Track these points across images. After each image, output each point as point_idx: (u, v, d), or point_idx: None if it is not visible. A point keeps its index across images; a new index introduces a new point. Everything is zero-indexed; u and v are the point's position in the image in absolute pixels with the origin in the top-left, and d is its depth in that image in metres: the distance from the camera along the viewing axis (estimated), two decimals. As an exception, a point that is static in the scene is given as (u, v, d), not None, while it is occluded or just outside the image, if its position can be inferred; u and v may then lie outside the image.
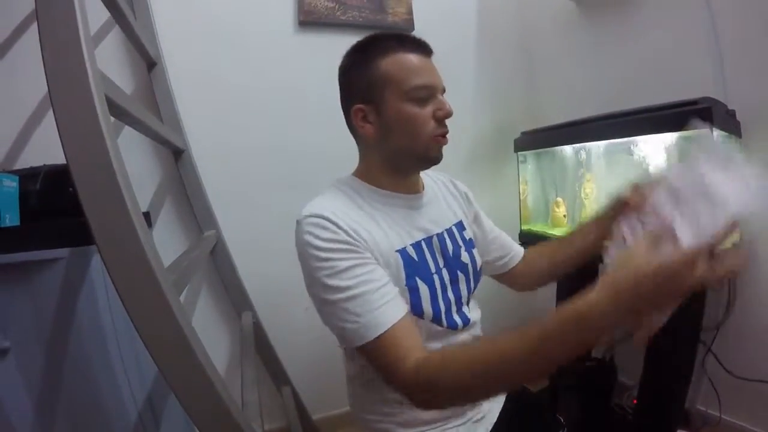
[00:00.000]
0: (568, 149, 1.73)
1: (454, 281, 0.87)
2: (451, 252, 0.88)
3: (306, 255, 0.71)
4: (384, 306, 0.68)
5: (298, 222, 0.75)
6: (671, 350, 1.33)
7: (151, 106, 1.35)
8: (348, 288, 0.68)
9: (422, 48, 0.82)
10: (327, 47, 1.69)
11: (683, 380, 1.39)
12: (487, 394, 0.71)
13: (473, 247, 0.94)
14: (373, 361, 0.68)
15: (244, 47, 1.56)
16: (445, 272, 0.85)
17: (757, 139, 1.37)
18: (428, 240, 0.85)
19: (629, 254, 0.55)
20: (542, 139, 1.73)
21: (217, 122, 1.51)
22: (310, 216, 0.73)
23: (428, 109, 0.79)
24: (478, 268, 0.94)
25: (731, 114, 1.36)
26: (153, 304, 0.56)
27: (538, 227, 1.77)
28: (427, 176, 0.98)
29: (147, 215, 1.13)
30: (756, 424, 1.45)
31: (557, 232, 1.66)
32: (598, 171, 1.63)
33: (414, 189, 0.90)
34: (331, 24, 1.70)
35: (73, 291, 0.84)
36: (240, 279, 1.48)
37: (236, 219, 1.50)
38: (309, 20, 1.66)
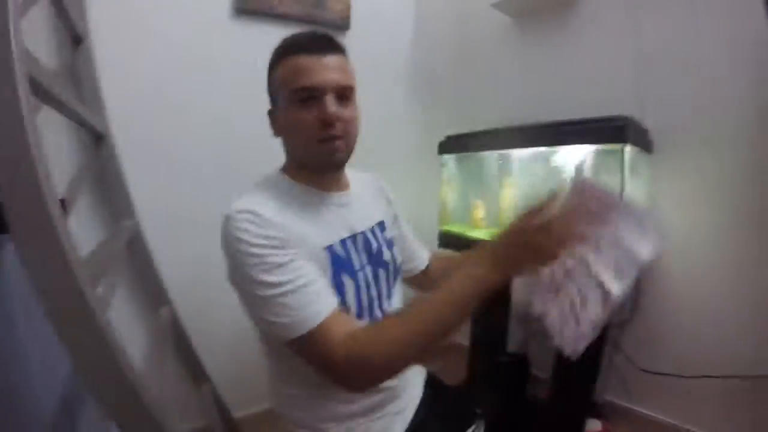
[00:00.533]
0: (490, 155, 1.81)
1: (377, 278, 0.90)
2: (374, 250, 0.91)
3: (236, 250, 0.70)
4: (318, 299, 0.70)
5: (227, 217, 0.73)
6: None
7: (73, 86, 1.26)
8: (282, 284, 0.69)
9: (318, 47, 0.80)
10: (262, 38, 1.65)
11: (592, 373, 1.51)
12: (419, 358, 0.74)
13: (393, 246, 0.98)
14: (306, 353, 0.71)
15: (176, 32, 1.50)
16: (368, 269, 0.88)
17: (665, 156, 1.53)
18: (353, 238, 0.87)
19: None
20: (465, 143, 1.79)
21: (141, 108, 1.44)
22: (241, 212, 0.72)
23: (312, 113, 0.78)
24: (398, 266, 0.98)
25: (644, 132, 1.50)
26: (69, 297, 0.54)
27: (456, 228, 1.83)
28: (354, 174, 1.00)
29: (63, 202, 1.06)
30: (662, 412, 1.60)
31: (476, 233, 1.73)
32: (518, 177, 1.73)
33: (338, 187, 0.92)
34: (268, 14, 1.67)
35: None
36: (158, 272, 1.41)
37: (157, 210, 1.44)
38: (246, 8, 1.63)
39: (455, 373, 1.79)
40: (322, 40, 0.81)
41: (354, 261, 0.85)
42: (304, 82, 0.77)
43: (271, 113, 0.88)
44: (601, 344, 1.51)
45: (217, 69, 1.59)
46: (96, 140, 1.30)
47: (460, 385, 1.69)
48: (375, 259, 0.90)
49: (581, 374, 1.48)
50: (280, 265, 0.70)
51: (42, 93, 0.69)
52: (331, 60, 0.80)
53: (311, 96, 0.78)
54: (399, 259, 0.99)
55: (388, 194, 1.08)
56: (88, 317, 0.55)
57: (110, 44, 1.36)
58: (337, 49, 0.83)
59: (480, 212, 1.82)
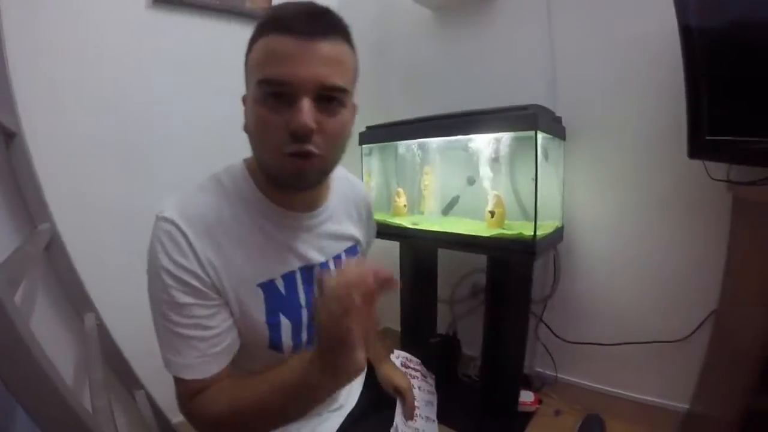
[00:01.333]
0: (408, 144, 1.86)
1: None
2: None
3: (153, 265, 0.64)
4: (202, 358, 0.65)
5: (156, 218, 0.66)
6: (506, 321, 1.55)
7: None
8: (179, 324, 0.63)
9: (307, 24, 0.60)
10: (180, 28, 1.61)
11: (519, 348, 1.61)
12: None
13: None
14: (176, 387, 0.67)
15: (91, 23, 1.41)
16: None
17: (578, 143, 1.65)
18: (308, 269, 0.76)
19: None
20: (385, 133, 1.84)
21: (54, 104, 1.35)
22: (168, 222, 0.64)
23: (283, 116, 0.60)
24: None
25: (558, 120, 1.60)
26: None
27: (380, 216, 1.87)
28: (340, 179, 0.87)
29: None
30: (586, 378, 1.73)
31: (398, 221, 1.79)
32: (436, 165, 1.79)
33: (308, 205, 0.77)
34: (186, 4, 1.61)
35: None
36: (79, 278, 1.33)
37: (73, 212, 1.35)
38: (165, -1, 1.55)
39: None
40: (315, 17, 0.61)
41: (300, 297, 0.75)
42: (275, 73, 0.59)
43: (243, 100, 0.70)
44: (525, 319, 1.61)
45: (134, 61, 1.51)
46: (6, 139, 1.21)
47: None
48: None
49: (509, 349, 1.58)
50: (184, 305, 0.63)
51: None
52: (321, 47, 0.60)
53: (283, 93, 0.60)
54: None
55: (370, 214, 0.97)
56: (8, 325, 0.53)
57: (20, 37, 1.26)
58: (335, 31, 0.63)
59: (402, 200, 1.88)
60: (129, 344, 1.44)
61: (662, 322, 1.54)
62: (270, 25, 0.61)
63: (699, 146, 1.21)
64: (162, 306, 0.63)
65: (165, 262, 0.63)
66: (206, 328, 0.65)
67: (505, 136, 1.51)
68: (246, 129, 0.68)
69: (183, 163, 1.53)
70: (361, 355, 0.52)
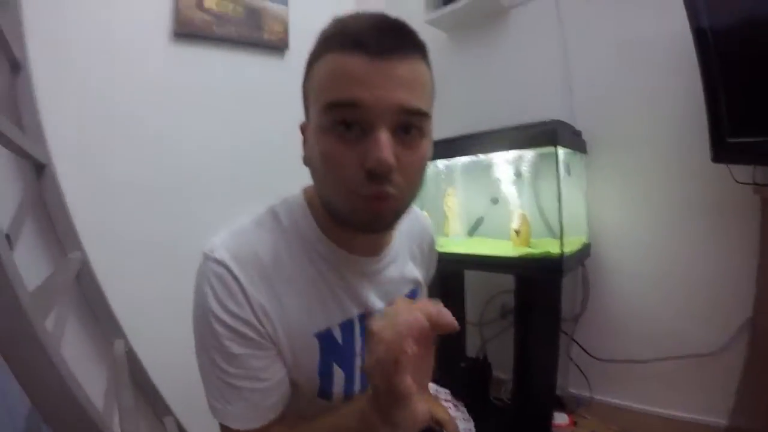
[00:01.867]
0: (430, 165, 1.85)
1: None
2: None
3: (202, 308, 0.57)
4: (254, 409, 0.59)
5: (203, 256, 0.59)
6: (536, 342, 1.49)
7: (11, 114, 1.21)
8: (230, 375, 0.57)
9: (381, 43, 0.50)
10: (201, 61, 1.66)
11: (551, 368, 1.55)
12: None
13: None
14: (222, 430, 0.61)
15: (115, 56, 1.48)
16: None
17: (599, 156, 1.62)
18: (353, 322, 0.67)
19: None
20: None
21: (83, 136, 1.40)
22: (219, 264, 0.57)
23: (356, 150, 0.51)
24: None
25: (578, 134, 1.57)
26: (19, 332, 0.52)
27: None
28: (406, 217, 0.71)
29: (8, 237, 1.01)
30: (621, 397, 1.65)
31: None
32: (459, 185, 1.78)
33: (372, 249, 0.68)
34: (207, 37, 1.67)
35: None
36: (109, 305, 1.36)
37: (103, 241, 1.39)
38: (184, 32, 1.62)
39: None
40: (389, 32, 0.52)
41: (355, 345, 0.67)
42: (345, 96, 0.50)
43: (301, 129, 0.62)
44: (556, 339, 1.57)
45: (159, 93, 1.57)
46: (37, 170, 1.25)
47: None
48: None
49: (541, 370, 1.52)
50: (237, 356, 0.57)
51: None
52: (399, 67, 0.50)
53: (355, 120, 0.51)
54: None
55: (432, 247, 0.87)
56: (40, 351, 0.53)
57: (50, 71, 1.32)
58: (413, 48, 0.54)
59: None
60: (157, 370, 1.45)
61: (697, 335, 1.47)
62: (336, 40, 0.52)
63: (722, 150, 1.17)
64: (212, 353, 0.57)
65: (216, 309, 0.56)
66: (260, 380, 0.59)
67: (527, 153, 1.49)
68: (307, 162, 0.59)
69: (208, 194, 1.57)
70: (419, 407, 0.45)
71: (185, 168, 1.60)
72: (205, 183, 1.61)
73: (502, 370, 1.81)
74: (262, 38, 1.82)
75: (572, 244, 1.43)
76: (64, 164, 1.31)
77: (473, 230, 1.81)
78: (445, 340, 1.48)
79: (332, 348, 0.64)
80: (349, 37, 0.50)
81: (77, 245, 1.30)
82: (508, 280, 1.58)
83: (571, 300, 1.73)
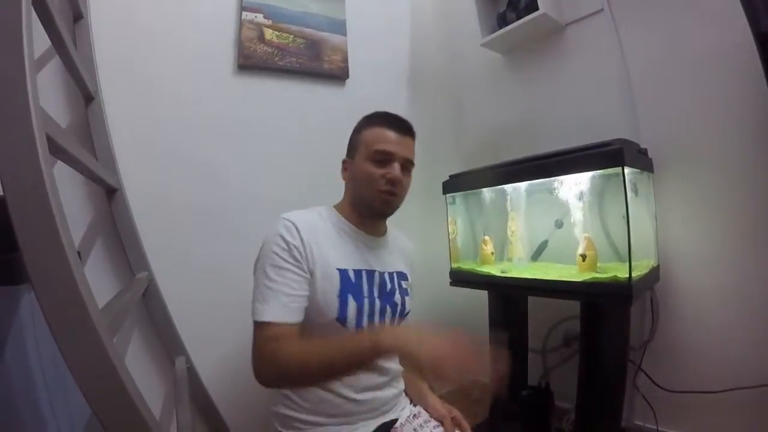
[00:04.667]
0: (492, 190, 1.82)
1: (383, 312, 1.09)
2: (387, 289, 1.12)
3: (268, 242, 0.97)
4: (283, 307, 0.91)
5: (277, 220, 1.01)
6: (602, 371, 1.42)
7: (85, 142, 1.30)
8: (273, 281, 0.93)
9: (400, 127, 1.08)
10: (265, 92, 1.72)
11: (616, 398, 1.47)
12: (317, 382, 0.95)
13: (406, 295, 1.18)
14: (255, 336, 0.91)
15: (183, 89, 1.55)
16: (377, 301, 1.07)
17: (667, 174, 1.55)
18: (370, 272, 1.09)
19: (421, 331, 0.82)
20: (468, 181, 1.81)
21: (152, 162, 1.47)
22: (288, 220, 1.00)
23: (382, 171, 1.04)
24: (405, 312, 1.17)
25: (643, 152, 1.50)
26: (88, 346, 0.54)
27: (468, 265, 1.84)
28: (396, 233, 1.27)
29: (78, 255, 1.08)
30: (690, 430, 1.55)
31: (486, 269, 1.73)
32: (522, 209, 1.73)
33: (374, 232, 1.16)
34: (269, 68, 1.73)
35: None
36: (173, 323, 1.40)
37: (169, 262, 1.44)
38: (248, 64, 1.68)
39: (478, 411, 1.75)
40: (404, 124, 1.09)
41: (363, 289, 1.06)
42: (384, 147, 1.04)
43: (344, 162, 1.15)
44: (623, 367, 1.48)
45: (223, 123, 1.63)
46: (108, 194, 1.33)
47: (482, 425, 1.66)
48: (385, 296, 1.10)
49: (606, 401, 1.44)
50: (280, 267, 0.94)
51: (57, 149, 0.71)
52: (407, 140, 1.09)
53: (388, 160, 1.04)
54: (408, 308, 1.18)
55: (414, 260, 1.30)
56: (107, 364, 0.55)
57: (120, 102, 1.41)
58: (412, 132, 1.11)
59: (489, 247, 1.82)
60: (216, 389, 1.48)
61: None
62: (380, 121, 1.09)
63: None
64: (266, 267, 0.94)
65: (278, 239, 0.96)
66: (292, 288, 0.94)
67: (591, 175, 1.44)
68: (349, 177, 1.13)
69: (268, 218, 1.61)
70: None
71: (248, 193, 1.64)
72: (267, 208, 1.64)
73: (565, 400, 1.72)
74: (322, 68, 1.86)
75: (641, 268, 1.36)
76: (134, 189, 1.39)
77: (537, 255, 1.75)
78: (508, 367, 1.44)
79: (347, 282, 1.02)
80: (391, 119, 1.09)
81: (145, 266, 1.36)
82: (572, 307, 1.52)
83: (639, 326, 1.63)
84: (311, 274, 0.98)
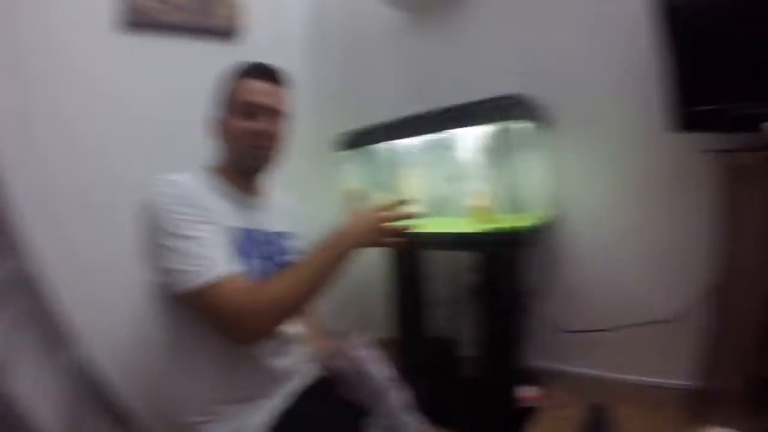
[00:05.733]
0: (386, 147, 1.84)
1: (267, 273, 0.99)
2: (269, 248, 1.05)
3: (153, 209, 0.84)
4: (220, 257, 0.83)
5: (155, 181, 0.87)
6: (501, 318, 1.51)
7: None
8: (192, 237, 0.81)
9: (269, 76, 1.02)
10: (148, 49, 1.59)
11: (517, 342, 1.57)
12: (295, 310, 0.90)
13: (290, 254, 1.12)
14: (203, 303, 0.80)
15: (58, 44, 1.39)
16: (258, 261, 0.99)
17: (565, 130, 1.64)
18: (249, 231, 1.00)
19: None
20: (361, 138, 1.81)
21: (26, 135, 1.31)
22: (166, 179, 0.88)
23: (251, 124, 0.98)
24: None
25: (542, 109, 1.58)
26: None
27: None
28: (282, 193, 1.20)
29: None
30: (588, 367, 1.70)
31: None
32: (418, 165, 1.77)
33: (252, 192, 1.08)
34: (156, 25, 1.60)
35: None
36: (64, 315, 1.29)
37: (52, 242, 1.31)
38: (132, 21, 1.54)
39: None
40: (274, 73, 1.03)
41: (246, 247, 0.96)
42: (250, 99, 0.98)
43: (213, 118, 1.05)
44: (523, 313, 1.58)
45: (105, 84, 1.48)
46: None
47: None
48: (268, 256, 1.03)
49: (507, 345, 1.54)
50: (191, 222, 0.83)
51: None
52: (276, 89, 1.03)
53: (256, 113, 0.98)
54: None
55: (301, 218, 1.24)
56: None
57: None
58: (284, 83, 1.05)
59: None
60: (114, 376, 1.39)
61: (661, 302, 1.51)
62: (249, 73, 1.01)
63: (681, 119, 1.22)
64: (173, 229, 0.82)
65: (171, 198, 0.85)
66: (214, 235, 0.85)
67: (487, 129, 1.49)
68: (220, 134, 1.03)
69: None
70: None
71: (132, 164, 1.49)
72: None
73: (469, 348, 1.83)
74: (209, 23, 1.74)
75: (535, 217, 1.45)
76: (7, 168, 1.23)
77: (434, 210, 1.81)
78: (410, 319, 1.50)
79: (235, 240, 0.93)
80: (260, 70, 1.02)
81: (21, 250, 1.24)
82: (471, 258, 1.59)
83: (537, 273, 1.75)
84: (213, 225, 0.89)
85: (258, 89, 0.99)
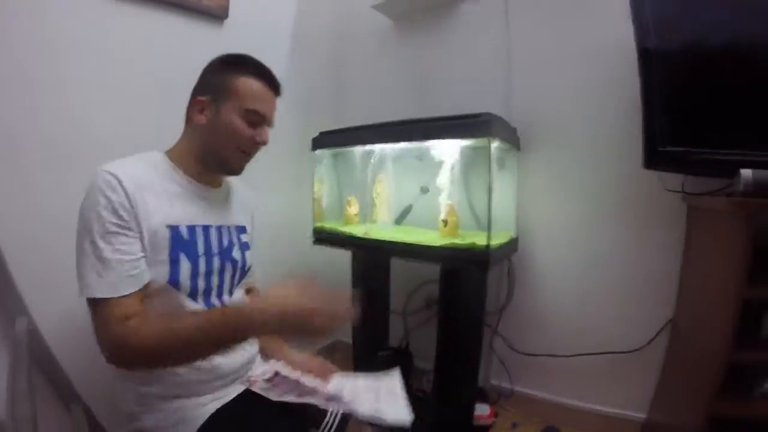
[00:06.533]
0: (361, 151, 1.86)
1: (222, 270, 1.03)
2: (225, 245, 1.05)
3: (90, 204, 0.83)
4: (126, 278, 0.82)
5: (95, 173, 0.85)
6: (459, 333, 1.52)
7: None
8: (104, 251, 0.81)
9: (273, 85, 1.02)
10: (134, 22, 1.54)
11: (473, 359, 1.59)
12: (180, 362, 0.86)
13: (246, 250, 1.13)
14: (93, 316, 0.81)
15: (44, 19, 1.33)
16: (215, 259, 1.01)
17: (533, 154, 1.69)
18: (205, 228, 1.00)
19: (287, 294, 0.81)
20: (337, 139, 1.82)
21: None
22: (108, 173, 0.84)
23: (252, 132, 0.99)
24: (246, 268, 1.13)
25: (513, 131, 1.62)
26: None
27: (330, 225, 1.87)
28: (239, 184, 1.19)
29: None
30: (543, 390, 1.74)
31: (349, 229, 1.77)
32: (390, 173, 1.79)
33: (211, 184, 1.07)
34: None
35: None
36: (12, 278, 1.24)
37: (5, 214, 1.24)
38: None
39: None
40: (276, 82, 1.04)
41: (198, 246, 0.97)
42: (259, 108, 0.98)
43: (201, 101, 0.99)
44: (480, 331, 1.60)
45: (87, 55, 1.43)
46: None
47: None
48: (225, 253, 1.04)
49: (463, 361, 1.56)
50: (107, 232, 0.81)
51: None
52: (275, 99, 1.05)
53: (259, 121, 1.00)
54: (249, 264, 1.14)
55: (255, 209, 1.26)
56: None
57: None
58: (280, 93, 1.06)
59: (353, 208, 1.87)
60: (67, 354, 1.35)
61: (619, 333, 1.56)
62: (254, 72, 0.99)
63: (654, 157, 1.26)
64: (93, 235, 0.81)
65: (103, 200, 0.82)
66: (125, 253, 0.83)
67: (460, 145, 1.52)
68: (214, 126, 0.98)
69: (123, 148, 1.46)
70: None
71: (103, 133, 1.45)
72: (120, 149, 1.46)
73: (425, 360, 1.84)
74: (200, 3, 1.71)
75: (499, 237, 1.47)
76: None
77: (401, 219, 1.83)
78: (369, 328, 1.50)
79: (178, 240, 0.92)
80: (265, 74, 1.01)
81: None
82: (434, 271, 1.60)
83: (496, 293, 1.78)
84: (140, 233, 0.86)
85: (266, 97, 1.01)
